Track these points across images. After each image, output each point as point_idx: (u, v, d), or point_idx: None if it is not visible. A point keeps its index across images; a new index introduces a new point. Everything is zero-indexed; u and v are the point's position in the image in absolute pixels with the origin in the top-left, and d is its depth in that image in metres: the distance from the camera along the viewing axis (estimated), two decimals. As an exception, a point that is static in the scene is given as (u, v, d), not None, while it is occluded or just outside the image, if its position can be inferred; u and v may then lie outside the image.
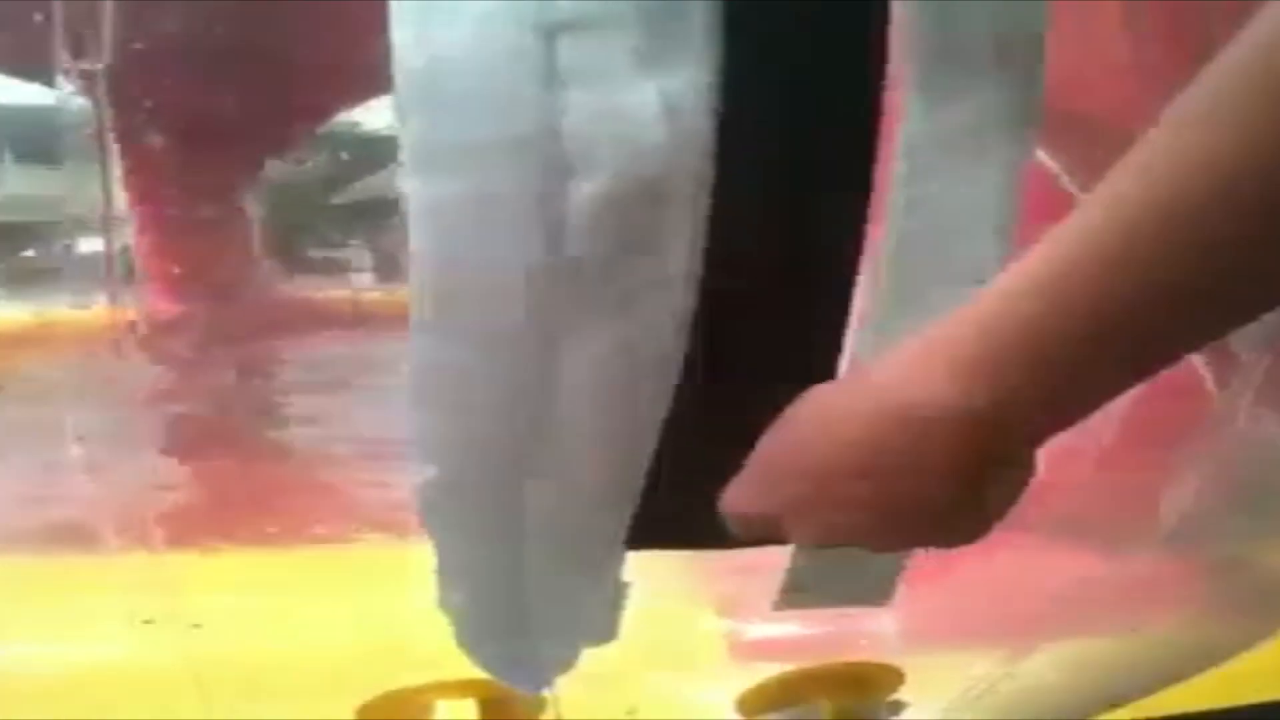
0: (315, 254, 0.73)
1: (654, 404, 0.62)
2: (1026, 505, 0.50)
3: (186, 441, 0.77)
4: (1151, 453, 0.84)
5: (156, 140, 0.63)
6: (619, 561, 0.69)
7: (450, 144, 0.54)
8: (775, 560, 0.73)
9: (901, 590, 0.76)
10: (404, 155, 0.54)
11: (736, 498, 0.58)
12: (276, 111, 0.69)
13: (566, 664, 0.73)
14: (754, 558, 0.68)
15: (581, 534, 0.66)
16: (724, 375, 0.62)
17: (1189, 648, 0.97)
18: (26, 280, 0.69)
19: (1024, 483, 0.49)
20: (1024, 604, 0.90)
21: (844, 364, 0.64)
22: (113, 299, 0.66)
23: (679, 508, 0.65)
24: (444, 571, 0.66)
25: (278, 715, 0.87)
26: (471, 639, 0.69)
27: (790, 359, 0.62)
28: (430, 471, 0.60)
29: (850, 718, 0.89)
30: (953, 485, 0.47)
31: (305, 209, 0.71)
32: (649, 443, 0.63)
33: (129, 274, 0.67)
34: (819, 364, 0.63)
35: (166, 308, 0.70)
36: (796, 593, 0.75)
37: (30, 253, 0.67)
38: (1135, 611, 0.90)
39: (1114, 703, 1.00)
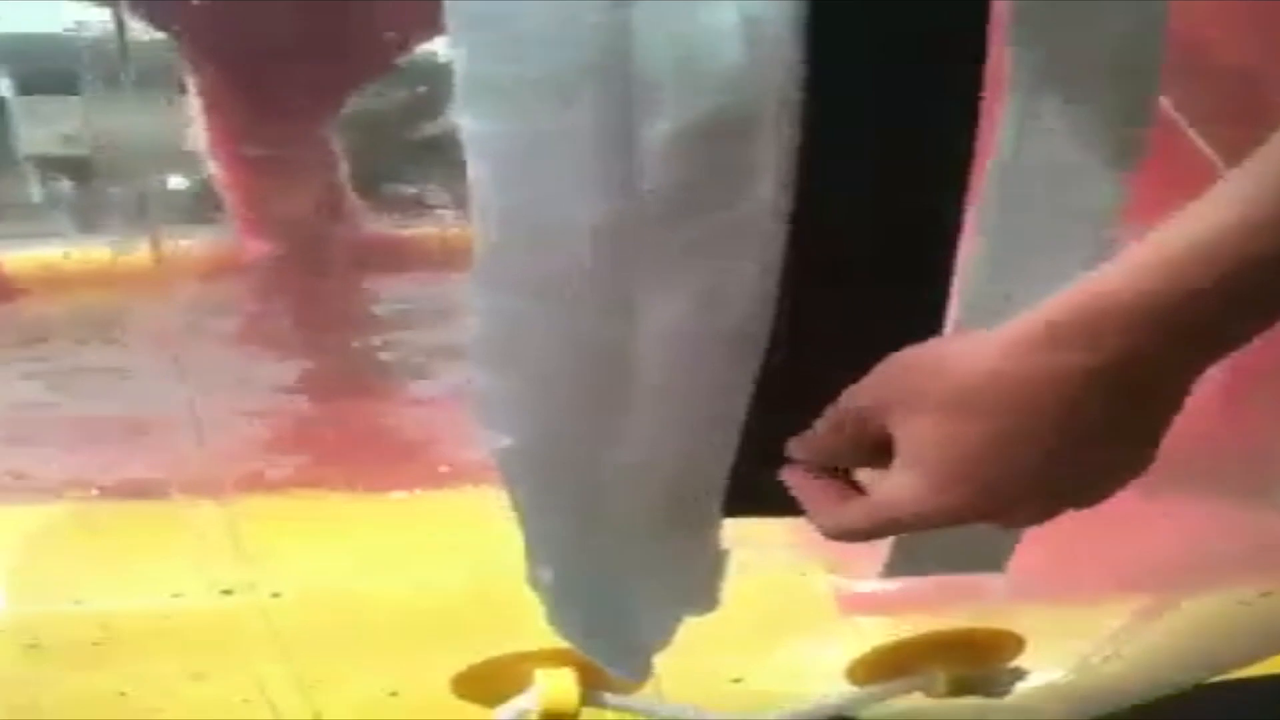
0: (397, 190, 0.69)
1: (744, 360, 0.57)
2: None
3: (270, 382, 0.74)
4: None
5: (228, 70, 0.61)
6: (716, 529, 0.64)
7: (505, 73, 0.48)
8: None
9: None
10: (456, 85, 0.49)
11: (913, 502, 0.50)
12: (351, 41, 0.65)
13: (664, 640, 0.68)
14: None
15: (672, 503, 0.61)
16: (821, 326, 0.56)
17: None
18: (105, 216, 0.64)
19: (1174, 416, 0.48)
20: (1153, 560, 0.83)
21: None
22: (191, 236, 0.65)
23: (778, 472, 0.60)
24: (531, 546, 0.61)
25: (370, 680, 0.85)
26: (563, 618, 0.65)
27: (893, 307, 0.56)
28: (504, 440, 0.55)
29: (967, 686, 0.83)
30: (1137, 435, 0.47)
31: (383, 144, 0.68)
32: (740, 403, 0.58)
33: (209, 210, 0.65)
34: (923, 314, 0.57)
35: (247, 245, 0.67)
36: (907, 558, 0.70)
37: (110, 188, 0.64)
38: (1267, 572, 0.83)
39: (1237, 665, 0.94)
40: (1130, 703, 0.92)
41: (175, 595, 0.80)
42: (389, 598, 0.82)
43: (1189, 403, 0.47)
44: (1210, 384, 0.46)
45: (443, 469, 0.78)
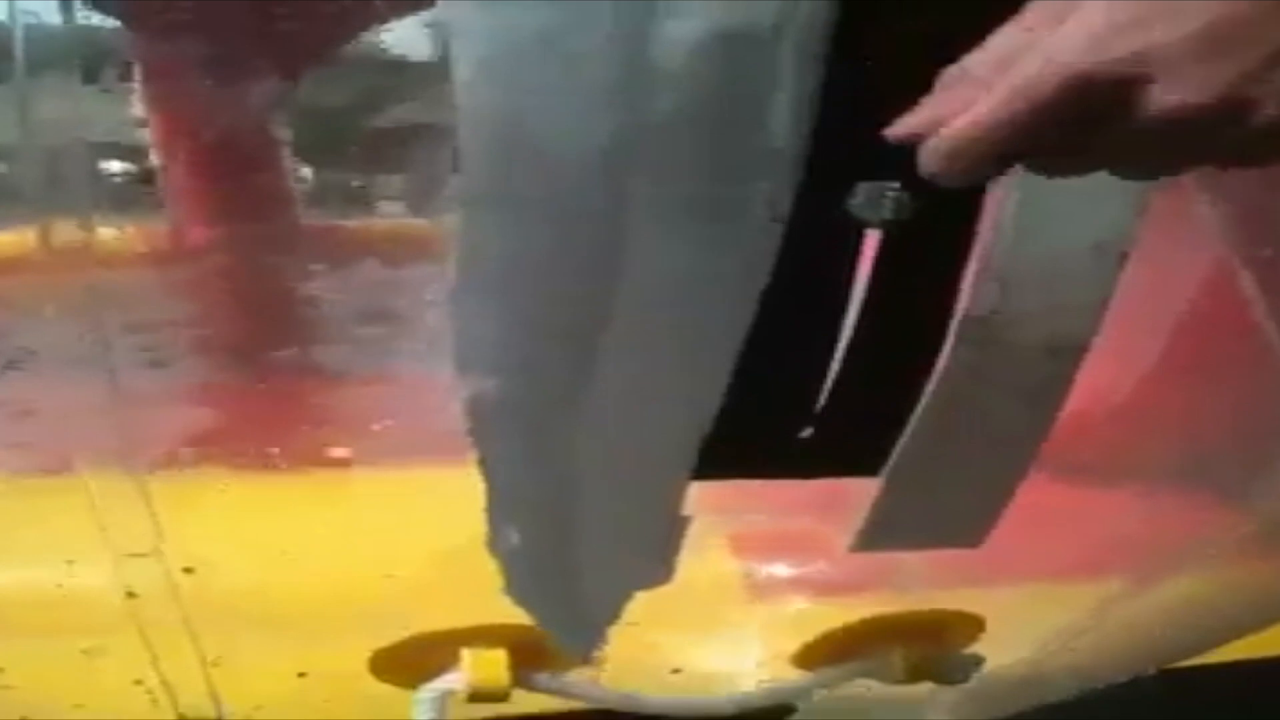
0: (345, 182, 0.69)
1: (738, 309, 0.53)
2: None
3: (208, 367, 0.73)
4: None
5: (176, 58, 0.59)
6: (682, 491, 0.60)
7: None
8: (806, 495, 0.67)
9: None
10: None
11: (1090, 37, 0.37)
12: (297, 28, 0.62)
13: (613, 616, 0.66)
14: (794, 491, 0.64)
15: (643, 458, 0.58)
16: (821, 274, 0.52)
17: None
18: (48, 202, 0.62)
19: None
20: (1118, 546, 0.80)
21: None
22: (138, 223, 0.64)
23: (760, 431, 0.58)
24: (497, 506, 0.57)
25: (282, 659, 0.80)
26: (524, 586, 0.61)
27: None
28: (479, 382, 0.50)
29: (925, 672, 0.79)
30: None
31: (334, 135, 0.67)
32: (728, 356, 0.54)
33: (158, 198, 0.65)
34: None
35: (193, 233, 0.67)
36: (881, 532, 0.66)
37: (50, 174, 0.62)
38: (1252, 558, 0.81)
39: (1193, 652, 0.92)
40: (1090, 687, 0.90)
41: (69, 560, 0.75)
42: (312, 568, 0.77)
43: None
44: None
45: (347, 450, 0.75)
